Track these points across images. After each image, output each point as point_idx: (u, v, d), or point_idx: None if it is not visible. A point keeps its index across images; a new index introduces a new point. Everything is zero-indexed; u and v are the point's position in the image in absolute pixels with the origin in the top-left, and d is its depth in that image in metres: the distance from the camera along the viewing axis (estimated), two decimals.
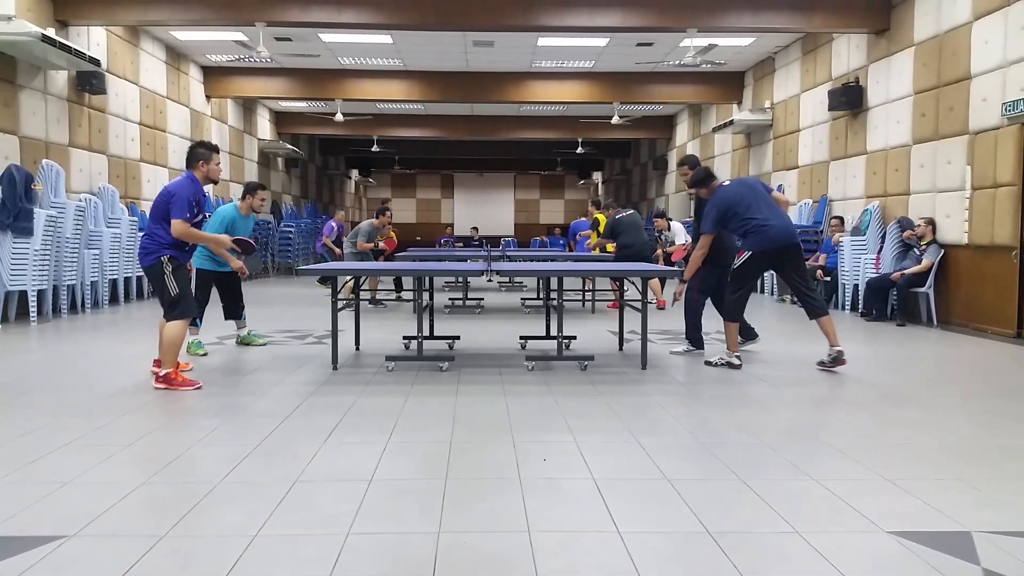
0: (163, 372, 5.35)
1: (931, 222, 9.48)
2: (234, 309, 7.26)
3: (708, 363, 6.40)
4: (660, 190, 22.57)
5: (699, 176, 6.67)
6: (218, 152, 5.66)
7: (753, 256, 6.19)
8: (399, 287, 12.14)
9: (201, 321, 6.91)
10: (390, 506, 3.11)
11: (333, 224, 13.14)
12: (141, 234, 5.50)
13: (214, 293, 7.13)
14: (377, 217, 11.40)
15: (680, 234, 12.04)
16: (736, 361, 6.27)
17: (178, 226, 5.31)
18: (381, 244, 11.55)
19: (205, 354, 6.75)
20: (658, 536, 2.83)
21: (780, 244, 6.14)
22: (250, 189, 7.20)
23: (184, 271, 5.51)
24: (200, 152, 5.51)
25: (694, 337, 7.01)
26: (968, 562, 2.60)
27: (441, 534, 2.81)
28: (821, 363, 6.26)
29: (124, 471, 3.54)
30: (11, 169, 8.93)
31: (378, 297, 11.42)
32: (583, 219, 14.09)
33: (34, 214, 8.98)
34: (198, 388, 5.33)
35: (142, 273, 11.73)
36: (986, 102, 8.67)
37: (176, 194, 5.32)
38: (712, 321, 7.31)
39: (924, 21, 9.89)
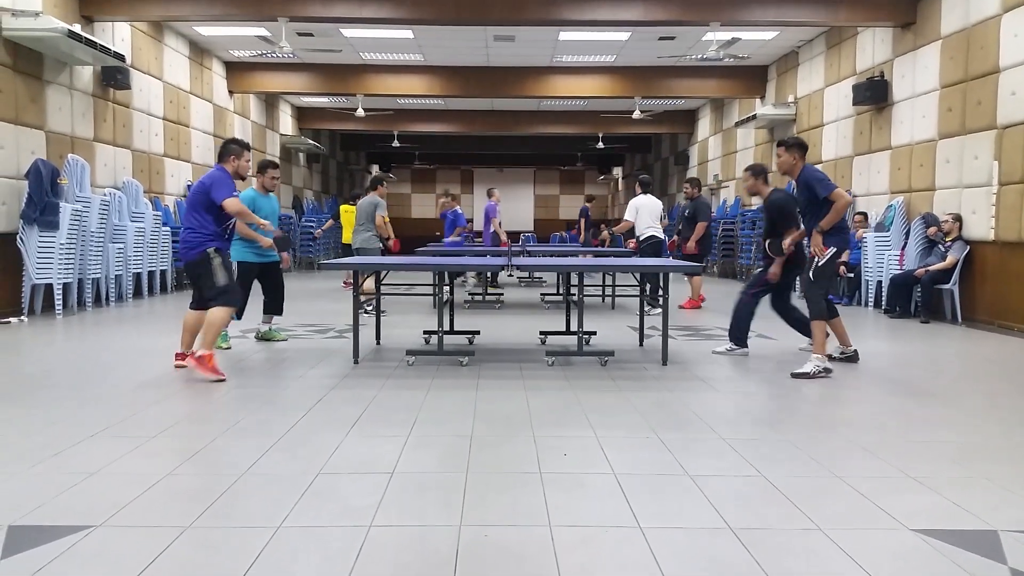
0: (200, 353, 5.41)
1: (958, 218, 9.35)
2: (275, 304, 7.24)
3: (800, 375, 5.72)
4: (681, 185, 22.42)
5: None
6: (249, 150, 5.91)
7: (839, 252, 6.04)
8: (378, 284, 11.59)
9: (242, 316, 6.92)
10: (412, 499, 3.12)
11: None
12: (183, 230, 5.64)
13: (256, 286, 7.13)
14: (376, 188, 10.23)
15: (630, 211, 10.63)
16: (830, 366, 5.87)
17: (233, 203, 5.50)
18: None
19: (228, 347, 6.80)
20: (680, 532, 2.82)
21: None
22: (260, 168, 7.23)
23: (229, 262, 5.71)
24: (232, 148, 5.78)
25: (738, 336, 6.70)
26: (995, 561, 2.57)
27: (463, 527, 2.82)
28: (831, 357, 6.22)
29: (149, 462, 3.58)
30: (37, 164, 9.05)
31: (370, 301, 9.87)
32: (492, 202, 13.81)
33: (60, 208, 9.10)
34: (222, 380, 5.38)
35: (166, 267, 11.95)
36: (1015, 96, 8.54)
37: (215, 180, 5.53)
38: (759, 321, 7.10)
39: (951, 14, 9.75)
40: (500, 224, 13.53)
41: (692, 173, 21.12)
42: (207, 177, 5.63)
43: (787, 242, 6.38)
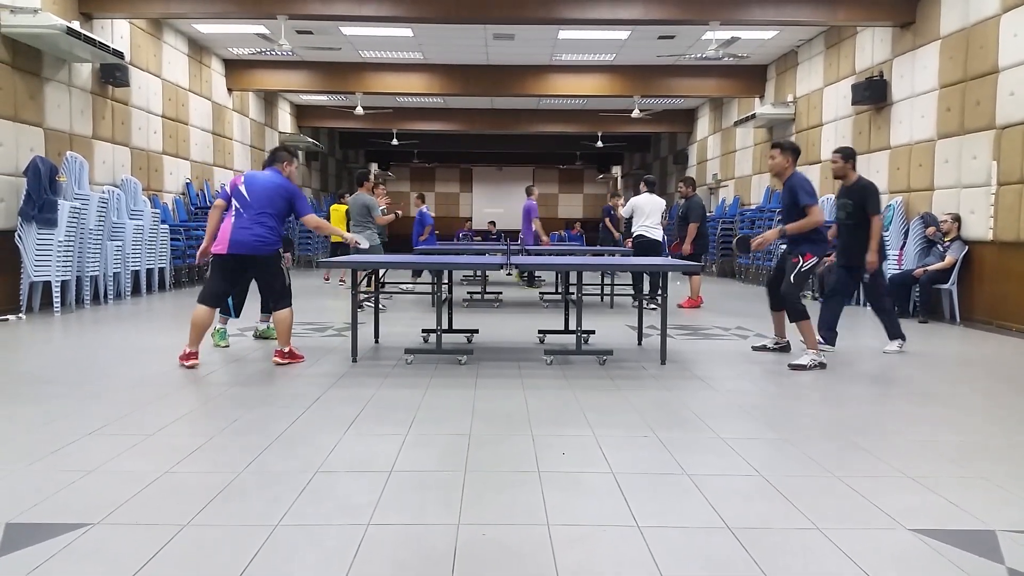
0: (286, 349, 6.01)
1: (957, 218, 9.36)
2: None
3: (796, 367, 5.96)
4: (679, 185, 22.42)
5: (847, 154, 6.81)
6: (297, 158, 6.17)
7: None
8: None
9: (240, 314, 7.00)
10: (410, 497, 3.12)
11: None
12: (259, 225, 5.86)
13: (254, 285, 7.10)
14: (360, 185, 10.21)
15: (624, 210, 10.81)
16: (824, 360, 6.09)
17: (315, 220, 6.16)
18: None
19: (227, 346, 6.79)
20: (677, 531, 2.82)
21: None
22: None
23: None
24: (283, 155, 6.18)
25: (896, 331, 6.91)
26: (992, 561, 2.57)
27: (461, 526, 2.82)
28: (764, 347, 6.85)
29: (147, 460, 3.57)
30: (36, 161, 9.04)
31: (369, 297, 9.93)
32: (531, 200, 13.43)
33: (58, 205, 9.09)
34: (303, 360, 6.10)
35: (164, 265, 11.94)
36: (1014, 96, 8.54)
37: (298, 193, 6.03)
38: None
39: (951, 14, 9.76)
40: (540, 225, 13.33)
41: (691, 172, 21.13)
42: (285, 183, 5.98)
43: (757, 241, 6.42)
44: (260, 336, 7.29)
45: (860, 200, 6.64)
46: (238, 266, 5.95)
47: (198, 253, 6.23)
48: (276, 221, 5.91)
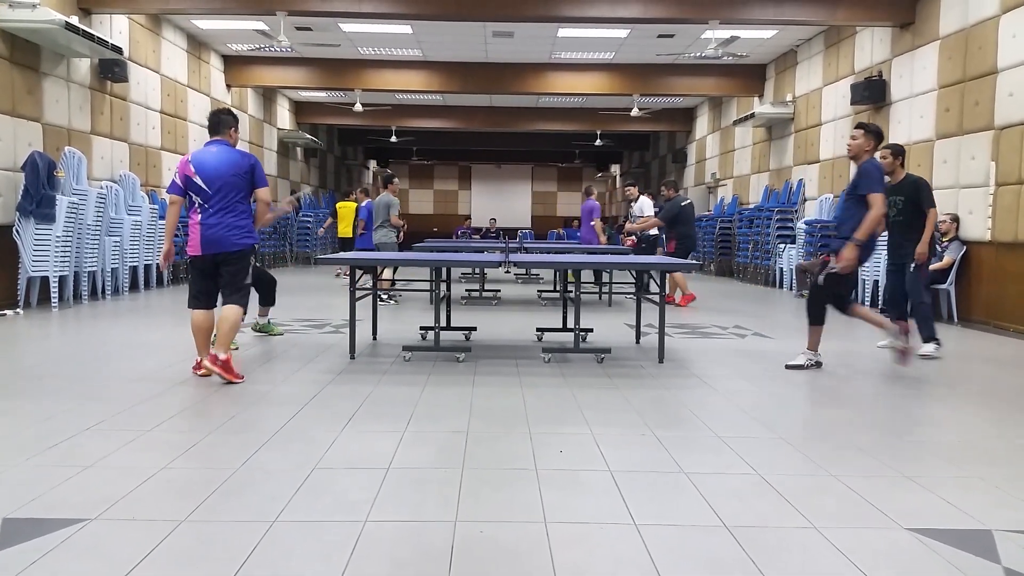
0: (223, 357, 5.10)
1: (955, 218, 9.37)
2: (268, 295, 7.16)
3: (793, 367, 5.92)
4: (679, 183, 22.41)
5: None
6: (238, 122, 5.63)
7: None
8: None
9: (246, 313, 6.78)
10: (407, 494, 3.12)
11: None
12: (233, 215, 5.19)
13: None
14: (386, 187, 10.53)
15: (647, 209, 11.65)
16: (821, 359, 6.02)
17: (267, 196, 5.39)
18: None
19: (236, 348, 6.41)
20: (675, 529, 2.82)
21: None
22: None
23: None
24: (228, 119, 5.44)
25: (930, 336, 6.78)
26: (989, 560, 2.58)
27: (458, 523, 2.82)
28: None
29: (145, 456, 3.57)
30: (34, 156, 9.02)
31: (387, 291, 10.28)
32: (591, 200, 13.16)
33: (56, 201, 9.07)
34: (241, 380, 5.19)
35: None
36: (1012, 97, 8.55)
37: (257, 161, 5.36)
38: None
39: (950, 14, 9.76)
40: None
41: (690, 171, 21.16)
42: (244, 156, 5.29)
43: (841, 265, 5.85)
44: (260, 330, 7.29)
45: (913, 196, 6.60)
46: (215, 264, 5.25)
47: (161, 257, 5.55)
48: (245, 203, 5.25)
